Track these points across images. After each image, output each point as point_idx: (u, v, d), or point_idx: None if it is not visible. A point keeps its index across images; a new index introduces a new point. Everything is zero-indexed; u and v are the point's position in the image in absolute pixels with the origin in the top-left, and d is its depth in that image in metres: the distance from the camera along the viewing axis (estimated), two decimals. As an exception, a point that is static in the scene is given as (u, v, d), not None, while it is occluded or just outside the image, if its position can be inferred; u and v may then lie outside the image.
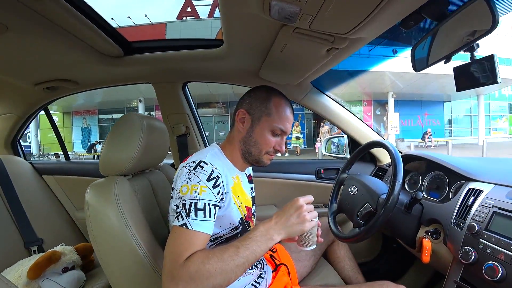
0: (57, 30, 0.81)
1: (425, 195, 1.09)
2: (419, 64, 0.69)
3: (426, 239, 0.89)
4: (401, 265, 1.41)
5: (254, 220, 0.99)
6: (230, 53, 0.99)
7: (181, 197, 0.71)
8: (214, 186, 0.73)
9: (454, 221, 0.82)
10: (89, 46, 0.95)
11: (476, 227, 0.73)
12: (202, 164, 0.74)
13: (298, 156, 10.99)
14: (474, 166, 0.95)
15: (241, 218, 0.86)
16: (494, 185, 0.81)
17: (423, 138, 13.69)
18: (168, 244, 0.68)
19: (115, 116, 13.02)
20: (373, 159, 1.44)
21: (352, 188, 1.04)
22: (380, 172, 1.38)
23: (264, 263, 1.00)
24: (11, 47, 0.90)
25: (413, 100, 14.67)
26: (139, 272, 0.76)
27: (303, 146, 13.02)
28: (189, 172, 0.73)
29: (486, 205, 0.76)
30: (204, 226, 0.69)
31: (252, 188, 1.02)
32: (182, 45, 1.08)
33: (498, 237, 0.68)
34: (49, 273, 1.11)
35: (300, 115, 13.18)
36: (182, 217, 0.68)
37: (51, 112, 1.74)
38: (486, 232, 0.71)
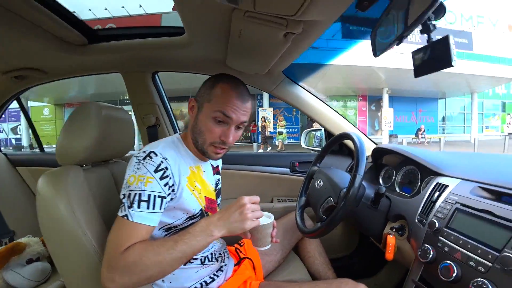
0: (16, 19, 0.78)
1: (397, 190, 1.07)
2: (378, 47, 0.65)
3: (391, 236, 0.86)
4: (376, 261, 1.39)
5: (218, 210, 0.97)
6: (192, 41, 0.96)
7: (127, 187, 0.69)
8: (162, 178, 0.70)
9: (418, 217, 0.79)
10: (50, 34, 0.92)
11: (437, 224, 0.70)
12: (151, 154, 0.72)
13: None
14: (445, 161, 0.93)
15: (201, 209, 0.84)
16: (460, 180, 0.78)
17: (416, 135, 13.78)
18: (110, 233, 0.67)
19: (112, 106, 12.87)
20: (351, 153, 1.41)
21: (318, 182, 1.02)
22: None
23: (226, 256, 0.98)
24: None
25: (407, 97, 14.70)
26: (87, 264, 0.73)
27: (291, 141, 13.00)
28: (138, 162, 0.71)
29: (450, 201, 0.73)
30: (146, 218, 0.67)
31: (218, 180, 1.00)
32: (148, 32, 1.05)
33: (457, 235, 0.65)
34: (13, 265, 1.09)
35: (295, 109, 13.15)
36: (125, 207, 0.66)
37: (42, 103, 1.71)
38: (446, 230, 0.68)
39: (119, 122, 0.94)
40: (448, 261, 0.62)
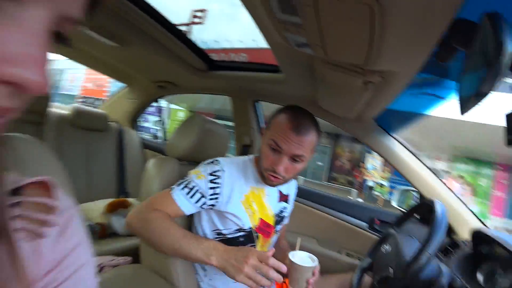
0: (160, 46, 1.10)
1: None
2: (463, 104, 0.55)
3: None
4: None
5: (274, 237, 1.00)
6: (287, 79, 1.05)
7: (187, 175, 0.86)
8: (211, 181, 0.83)
9: None
10: (182, 60, 1.22)
11: None
12: (215, 161, 0.87)
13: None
14: None
15: (250, 227, 0.89)
16: None
17: None
18: (156, 193, 0.85)
19: (229, 124, 14.80)
20: (449, 229, 1.16)
21: (387, 246, 0.89)
22: (451, 247, 1.09)
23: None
24: (137, 55, 1.25)
25: None
26: None
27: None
28: (204, 164, 0.88)
29: None
30: (181, 200, 0.81)
31: (285, 208, 1.02)
32: (253, 67, 1.22)
33: None
34: (119, 212, 1.49)
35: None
36: (176, 185, 0.83)
37: (180, 107, 2.27)
38: None
39: (217, 135, 1.13)
40: None
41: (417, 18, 0.42)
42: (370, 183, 9.88)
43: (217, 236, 0.89)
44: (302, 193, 1.46)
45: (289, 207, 1.04)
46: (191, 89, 1.60)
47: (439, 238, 0.67)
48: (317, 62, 0.73)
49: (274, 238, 1.00)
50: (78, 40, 1.27)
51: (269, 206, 0.95)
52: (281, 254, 0.92)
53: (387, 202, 9.26)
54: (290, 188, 1.05)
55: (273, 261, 0.68)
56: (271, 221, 0.95)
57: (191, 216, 0.93)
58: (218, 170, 0.84)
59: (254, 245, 0.92)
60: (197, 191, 0.82)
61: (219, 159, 0.88)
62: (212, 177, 0.83)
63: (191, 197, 0.81)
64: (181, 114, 16.43)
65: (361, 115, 1.09)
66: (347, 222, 1.37)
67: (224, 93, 1.46)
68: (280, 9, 0.51)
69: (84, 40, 1.23)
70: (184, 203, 0.81)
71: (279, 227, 1.00)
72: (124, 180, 1.88)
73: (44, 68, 0.19)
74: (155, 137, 2.97)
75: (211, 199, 0.83)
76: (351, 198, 9.35)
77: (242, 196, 0.87)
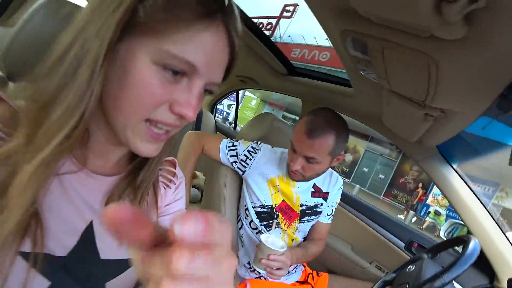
0: (249, 48, 1.27)
1: None
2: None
3: None
4: None
5: (302, 225, 1.13)
6: (356, 95, 1.14)
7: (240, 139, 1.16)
8: (248, 152, 1.09)
9: None
10: (266, 63, 1.40)
11: None
12: (259, 143, 1.13)
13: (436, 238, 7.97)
14: None
15: (271, 205, 1.07)
16: None
17: None
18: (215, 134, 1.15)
19: (297, 117, 14.81)
20: (492, 273, 1.13)
21: (412, 267, 0.95)
22: (488, 292, 1.08)
23: (297, 268, 1.16)
24: None
25: None
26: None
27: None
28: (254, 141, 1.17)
29: None
30: (223, 147, 1.10)
31: (320, 204, 1.14)
32: (328, 79, 1.34)
33: None
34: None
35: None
36: (229, 138, 1.15)
37: (253, 96, 2.51)
38: None
39: (282, 133, 1.30)
40: None
41: (474, 72, 0.49)
42: (431, 209, 8.96)
43: (254, 209, 1.09)
44: (350, 201, 1.55)
45: (327, 205, 1.15)
46: (269, 88, 1.78)
47: (460, 269, 0.73)
48: (383, 88, 0.82)
49: (302, 226, 1.12)
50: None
51: (298, 195, 1.09)
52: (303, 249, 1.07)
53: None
54: (330, 186, 1.16)
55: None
56: (296, 208, 1.09)
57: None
58: (256, 149, 1.07)
59: (278, 221, 1.08)
60: (236, 150, 1.07)
61: (263, 144, 1.11)
62: (251, 150, 1.07)
63: (229, 151, 1.07)
64: (253, 102, 17.06)
65: (423, 140, 1.12)
66: (385, 238, 1.42)
67: (298, 96, 1.60)
68: (353, 47, 0.63)
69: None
70: (224, 150, 1.08)
71: (307, 218, 1.12)
72: None
73: (196, 110, 0.38)
74: (225, 119, 3.32)
75: (241, 164, 1.06)
76: (403, 218, 8.57)
77: (268, 177, 1.06)
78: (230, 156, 1.08)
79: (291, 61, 1.41)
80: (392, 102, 0.88)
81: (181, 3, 0.32)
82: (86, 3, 0.36)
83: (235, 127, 2.69)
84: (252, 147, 1.10)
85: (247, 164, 1.08)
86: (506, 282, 0.98)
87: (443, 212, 8.46)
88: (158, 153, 0.42)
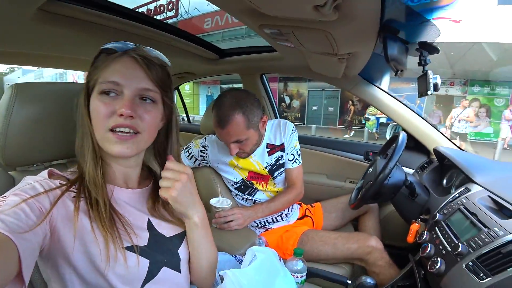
0: (178, 49, 1.38)
1: (452, 191, 1.17)
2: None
3: (417, 224, 1.04)
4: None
5: (278, 178, 1.30)
6: (283, 57, 1.34)
7: (192, 141, 1.31)
8: (201, 152, 1.26)
9: (436, 212, 0.94)
10: (197, 55, 1.52)
11: (437, 217, 0.87)
12: (205, 138, 1.29)
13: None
14: (482, 169, 1.00)
15: (242, 178, 1.27)
16: (482, 188, 0.89)
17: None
18: None
19: (235, 85, 14.83)
20: (428, 152, 1.50)
21: (370, 169, 1.26)
22: (427, 164, 1.44)
23: (293, 208, 1.39)
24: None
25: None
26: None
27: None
28: (202, 138, 1.31)
29: (459, 202, 0.87)
30: (184, 160, 1.27)
31: (281, 156, 1.28)
32: (255, 50, 1.51)
33: (445, 227, 0.81)
34: None
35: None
36: (184, 147, 1.32)
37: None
38: (442, 223, 0.85)
39: None
40: (429, 243, 0.82)
41: (352, 31, 0.72)
42: (383, 120, 10.08)
43: (232, 186, 1.30)
44: (311, 140, 1.83)
45: (286, 153, 1.29)
46: (206, 75, 1.90)
47: (397, 155, 1.02)
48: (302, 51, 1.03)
49: (278, 179, 1.31)
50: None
51: (257, 162, 1.26)
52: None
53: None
54: (283, 137, 1.28)
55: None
56: (263, 172, 1.26)
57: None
58: (205, 146, 1.25)
59: (255, 187, 1.29)
60: (192, 155, 1.26)
61: (208, 137, 1.27)
62: (202, 149, 1.25)
63: (190, 158, 1.26)
64: (187, 87, 16.56)
65: (346, 74, 1.38)
66: (348, 158, 1.74)
67: (234, 72, 1.76)
68: (271, 33, 0.81)
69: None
70: (185, 162, 1.25)
71: (277, 173, 1.28)
72: None
73: (129, 107, 0.52)
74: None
75: (202, 161, 1.26)
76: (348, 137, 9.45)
77: (226, 161, 1.25)
78: (193, 162, 1.27)
79: (207, 32, 1.56)
80: (313, 56, 1.10)
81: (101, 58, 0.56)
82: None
83: (188, 120, 2.79)
84: (202, 146, 1.26)
85: (207, 160, 1.26)
86: (433, 151, 1.34)
87: (372, 118, 9.73)
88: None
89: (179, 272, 0.63)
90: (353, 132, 10.38)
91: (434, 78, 0.74)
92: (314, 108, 13.00)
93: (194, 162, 1.27)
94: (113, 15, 0.99)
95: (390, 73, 1.60)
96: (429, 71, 0.72)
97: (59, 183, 0.51)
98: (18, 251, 0.38)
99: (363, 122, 10.03)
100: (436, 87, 0.76)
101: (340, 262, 1.19)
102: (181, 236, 0.66)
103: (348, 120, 10.70)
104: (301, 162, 1.33)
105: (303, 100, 13.52)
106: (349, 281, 1.00)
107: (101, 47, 0.56)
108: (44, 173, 0.53)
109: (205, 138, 1.28)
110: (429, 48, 0.71)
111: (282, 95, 13.43)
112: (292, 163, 1.29)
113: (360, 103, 10.54)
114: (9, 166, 0.64)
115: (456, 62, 8.76)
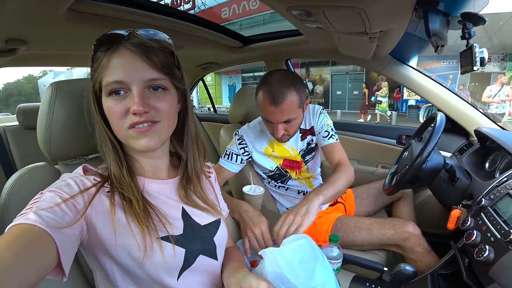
0: (200, 39, 1.37)
1: (496, 175, 1.09)
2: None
3: (458, 210, 0.99)
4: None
5: (310, 163, 1.29)
6: (309, 40, 1.30)
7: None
8: (239, 143, 1.21)
9: (481, 197, 0.87)
10: (220, 43, 1.51)
11: (483, 202, 0.81)
12: (237, 133, 1.24)
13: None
14: None
15: (277, 166, 1.25)
16: None
17: None
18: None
19: (256, 74, 14.74)
20: (467, 134, 1.40)
21: (406, 153, 1.20)
22: (467, 147, 1.35)
23: None
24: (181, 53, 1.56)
25: None
26: None
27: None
28: (234, 135, 1.25)
29: (507, 186, 0.80)
30: (226, 165, 1.20)
31: (311, 140, 1.26)
32: (280, 35, 1.47)
33: (494, 213, 0.75)
34: None
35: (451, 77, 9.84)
36: (221, 156, 1.23)
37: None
38: (489, 208, 0.78)
39: None
40: (474, 230, 0.76)
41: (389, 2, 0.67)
42: (412, 102, 9.55)
43: (266, 174, 1.29)
44: (339, 126, 1.77)
45: (318, 133, 1.24)
46: (230, 64, 1.90)
47: (436, 138, 0.96)
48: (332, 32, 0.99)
49: (310, 164, 1.29)
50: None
51: (292, 147, 1.24)
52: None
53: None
54: (312, 120, 1.25)
55: (266, 242, 0.90)
56: (297, 158, 1.25)
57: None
58: (241, 138, 1.22)
59: (289, 175, 1.27)
60: (232, 153, 1.21)
61: (238, 130, 1.25)
62: (239, 141, 1.21)
63: (230, 159, 1.20)
64: (209, 78, 16.67)
65: (376, 54, 1.31)
66: (380, 142, 1.68)
67: (259, 59, 1.74)
68: (299, 15, 0.78)
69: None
70: (228, 164, 1.20)
71: (308, 156, 1.28)
72: None
73: (140, 104, 0.51)
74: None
75: (243, 154, 1.21)
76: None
77: (262, 149, 1.23)
78: (235, 161, 1.20)
79: (225, 22, 1.54)
80: (342, 37, 1.05)
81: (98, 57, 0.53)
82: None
83: (215, 110, 2.82)
84: (238, 139, 1.22)
85: (248, 150, 1.21)
86: (474, 133, 1.25)
87: (384, 100, 9.14)
88: (191, 157, 0.64)
89: (216, 259, 0.64)
90: (369, 116, 9.87)
91: (481, 52, 0.67)
92: (338, 93, 12.65)
93: (236, 161, 1.21)
94: (139, 9, 1.00)
95: (417, 51, 1.50)
96: (475, 44, 0.66)
97: (93, 179, 0.53)
98: (56, 244, 0.40)
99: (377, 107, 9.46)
100: (483, 62, 0.69)
101: (375, 249, 1.17)
102: (216, 223, 0.67)
103: (365, 104, 10.16)
104: (338, 139, 1.24)
105: (327, 85, 13.17)
106: (385, 268, 0.98)
107: (94, 43, 0.53)
108: (79, 169, 0.56)
109: (236, 132, 1.26)
110: (474, 19, 0.64)
111: (304, 81, 13.16)
112: (328, 139, 1.21)
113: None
114: (54, 160, 0.68)
115: (493, 34, 8.02)
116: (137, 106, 0.49)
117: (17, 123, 1.75)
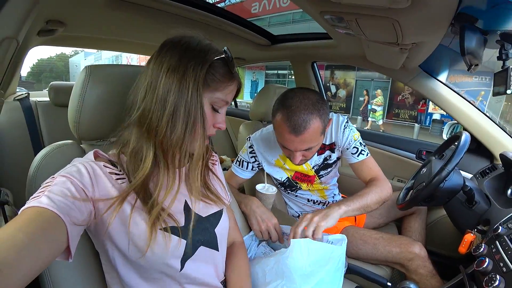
0: (228, 34, 1.40)
1: None
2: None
3: (472, 234, 0.95)
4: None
5: (324, 178, 1.24)
6: (337, 44, 1.29)
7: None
8: (250, 152, 1.19)
9: (498, 224, 0.85)
10: (248, 40, 1.52)
11: (500, 230, 0.78)
12: (248, 140, 1.21)
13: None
14: None
15: (288, 177, 1.23)
16: None
17: None
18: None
19: (280, 71, 14.65)
20: (491, 156, 1.35)
21: (424, 169, 1.17)
22: (489, 170, 1.30)
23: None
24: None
25: None
26: None
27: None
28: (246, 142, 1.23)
29: None
30: (237, 171, 1.20)
31: (329, 156, 1.19)
32: (309, 37, 1.47)
33: (510, 243, 0.73)
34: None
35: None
36: (233, 163, 1.23)
37: None
38: (505, 237, 0.75)
39: None
40: (487, 257, 0.73)
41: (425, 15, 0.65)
42: (436, 116, 9.22)
43: (277, 182, 1.27)
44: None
45: (335, 153, 1.18)
46: (257, 61, 1.92)
47: (458, 158, 0.93)
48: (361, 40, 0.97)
49: (324, 179, 1.24)
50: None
51: (306, 163, 1.17)
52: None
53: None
54: (334, 135, 1.15)
55: (279, 234, 0.96)
56: (310, 172, 1.20)
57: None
58: (252, 147, 1.19)
59: (299, 186, 1.25)
60: (243, 161, 1.20)
61: (250, 136, 1.21)
62: (250, 149, 1.19)
63: (242, 166, 1.21)
64: (236, 71, 16.80)
65: (406, 65, 1.28)
66: (398, 155, 1.64)
67: (285, 59, 1.74)
68: (331, 20, 0.78)
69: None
70: (240, 172, 1.21)
71: (324, 172, 1.21)
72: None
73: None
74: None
75: (254, 163, 1.20)
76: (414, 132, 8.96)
77: (273, 161, 1.20)
78: (246, 168, 1.20)
79: (254, 17, 1.54)
80: (372, 45, 1.04)
81: (222, 75, 0.56)
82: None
83: (236, 105, 2.85)
84: (249, 147, 1.19)
85: (258, 159, 1.19)
86: (499, 156, 1.20)
87: (378, 108, 9.42)
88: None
89: (217, 250, 0.65)
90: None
91: (517, 75, 0.65)
92: (361, 99, 12.34)
93: (247, 168, 1.20)
94: (172, 0, 1.03)
95: (449, 66, 1.45)
96: (511, 67, 0.63)
97: (103, 165, 0.55)
98: (66, 228, 0.42)
99: (369, 114, 9.64)
100: (518, 86, 0.67)
101: (379, 264, 1.15)
102: (218, 214, 0.68)
103: (364, 110, 10.26)
104: (369, 153, 1.16)
105: (350, 90, 12.91)
106: (389, 283, 0.97)
107: (226, 65, 0.58)
108: (90, 154, 0.57)
109: (248, 138, 1.22)
110: (514, 40, 0.62)
111: (328, 84, 12.95)
112: (358, 155, 1.14)
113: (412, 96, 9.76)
114: (81, 140, 0.71)
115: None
116: (223, 124, 0.60)
117: (47, 99, 1.83)
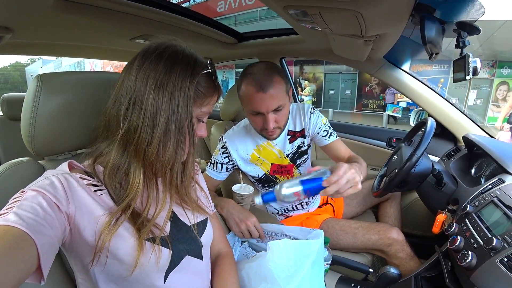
0: (193, 34, 1.34)
1: (482, 182, 1.11)
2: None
3: (443, 214, 1.01)
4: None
5: (301, 168, 1.24)
6: (303, 39, 1.29)
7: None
8: (223, 152, 1.16)
9: (466, 203, 0.90)
10: (214, 39, 1.48)
11: (468, 208, 0.83)
12: (221, 139, 1.20)
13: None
14: None
15: (265, 173, 1.21)
16: None
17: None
18: None
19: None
20: (455, 139, 1.43)
21: (395, 156, 1.21)
22: (454, 152, 1.38)
23: (316, 198, 1.37)
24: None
25: None
26: None
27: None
28: (218, 143, 1.21)
29: (492, 194, 0.82)
30: (212, 174, 1.18)
31: (302, 143, 1.21)
32: (275, 33, 1.46)
33: (478, 220, 0.77)
34: None
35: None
36: (207, 165, 1.20)
37: None
38: (473, 215, 0.80)
39: None
40: (458, 235, 0.78)
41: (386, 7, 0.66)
42: (403, 104, 9.68)
43: (254, 179, 1.24)
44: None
45: (306, 139, 1.21)
46: (224, 60, 1.87)
47: (425, 143, 0.97)
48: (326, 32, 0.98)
49: (302, 168, 1.24)
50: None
51: (279, 150, 1.19)
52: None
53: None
54: (303, 121, 1.19)
55: (260, 231, 0.96)
56: (285, 162, 1.20)
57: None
58: (224, 147, 1.17)
59: (279, 181, 1.23)
60: (217, 162, 1.18)
61: (223, 136, 1.19)
62: (223, 149, 1.17)
63: (216, 168, 1.18)
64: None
65: (371, 57, 1.31)
66: (369, 144, 1.70)
67: (253, 57, 1.72)
68: (296, 14, 0.77)
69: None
70: (215, 174, 1.18)
71: (300, 160, 1.22)
72: None
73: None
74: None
75: (228, 163, 1.17)
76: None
77: (248, 156, 1.18)
78: (221, 169, 1.18)
79: (220, 16, 1.52)
80: (337, 38, 1.05)
81: (206, 88, 0.57)
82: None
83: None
84: (222, 147, 1.17)
85: (232, 159, 1.17)
86: (462, 139, 1.27)
87: (306, 98, 10.06)
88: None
89: (201, 259, 0.63)
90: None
91: (474, 61, 0.68)
92: (331, 92, 12.68)
93: (221, 169, 1.18)
94: (129, 0, 0.97)
95: (411, 55, 1.51)
96: (469, 54, 0.66)
97: (80, 177, 0.51)
98: (37, 247, 0.38)
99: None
100: (475, 72, 0.70)
101: (360, 252, 1.18)
102: (204, 223, 0.67)
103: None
104: (337, 136, 1.21)
105: (320, 83, 13.19)
106: (371, 270, 0.99)
107: (212, 80, 0.58)
108: (64, 165, 0.53)
109: (221, 138, 1.20)
110: (469, 29, 0.64)
111: (298, 79, 13.14)
112: (329, 137, 1.18)
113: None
114: (39, 156, 0.65)
115: (484, 41, 8.20)
116: (205, 132, 0.63)
117: (1, 113, 1.69)
